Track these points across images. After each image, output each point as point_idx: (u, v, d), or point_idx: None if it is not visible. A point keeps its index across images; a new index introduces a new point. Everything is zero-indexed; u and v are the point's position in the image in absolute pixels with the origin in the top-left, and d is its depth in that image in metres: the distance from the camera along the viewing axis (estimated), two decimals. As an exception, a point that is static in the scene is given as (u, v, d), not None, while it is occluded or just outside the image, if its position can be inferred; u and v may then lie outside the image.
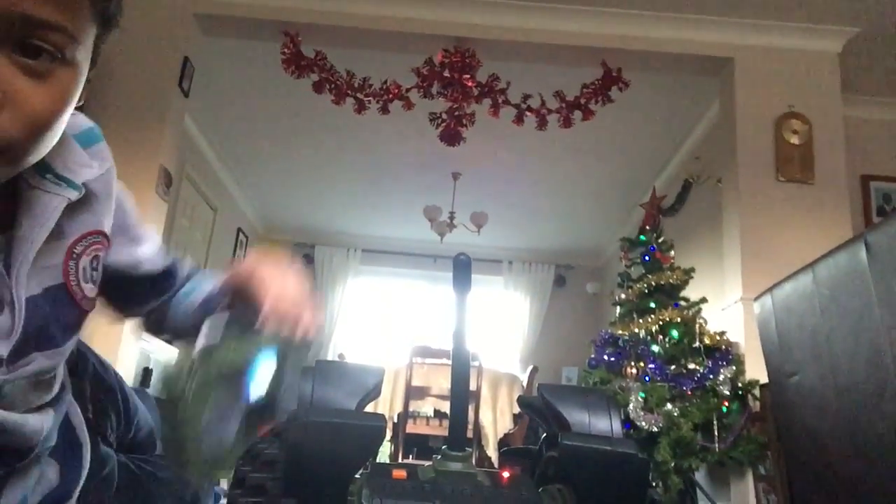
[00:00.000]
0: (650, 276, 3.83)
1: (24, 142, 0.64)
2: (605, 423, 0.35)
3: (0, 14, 0.59)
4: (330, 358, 6.52)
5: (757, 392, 3.32)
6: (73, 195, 0.77)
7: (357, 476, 0.66)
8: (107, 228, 0.84)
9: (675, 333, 3.55)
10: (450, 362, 0.40)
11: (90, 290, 0.82)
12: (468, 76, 4.01)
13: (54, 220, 0.74)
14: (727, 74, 4.16)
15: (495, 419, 4.24)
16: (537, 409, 0.36)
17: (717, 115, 4.44)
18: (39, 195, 0.73)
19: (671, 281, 3.78)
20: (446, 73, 4.02)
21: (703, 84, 4.48)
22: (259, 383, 0.65)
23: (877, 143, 4.67)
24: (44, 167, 0.74)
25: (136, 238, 0.94)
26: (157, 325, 1.03)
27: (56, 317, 0.77)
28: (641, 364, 3.49)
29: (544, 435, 0.35)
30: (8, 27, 0.59)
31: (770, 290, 2.15)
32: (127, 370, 3.71)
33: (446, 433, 0.39)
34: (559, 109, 4.15)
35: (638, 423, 3.25)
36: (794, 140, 3.95)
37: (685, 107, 4.92)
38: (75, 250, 0.79)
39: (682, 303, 3.75)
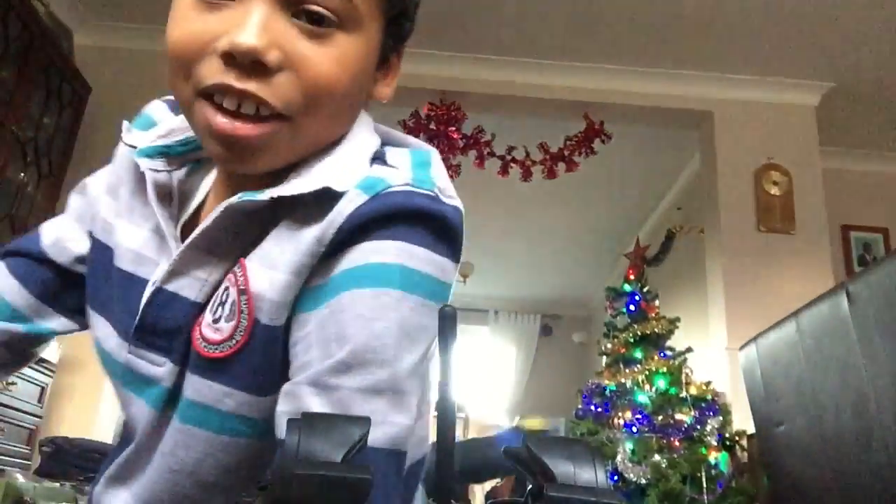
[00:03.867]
0: (636, 326, 3.83)
1: (300, 109, 0.62)
2: (590, 475, 0.35)
3: None
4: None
5: (744, 442, 3.31)
6: None
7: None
8: None
9: (661, 383, 3.54)
10: (435, 413, 0.40)
11: None
12: (454, 128, 4.07)
13: None
14: (707, 127, 4.24)
15: (482, 472, 4.18)
16: (523, 460, 0.36)
17: (699, 166, 4.52)
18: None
19: (657, 330, 3.79)
20: (432, 126, 4.07)
21: (684, 136, 4.57)
22: None
23: (856, 193, 4.75)
24: None
25: None
26: None
27: None
28: (629, 414, 3.47)
29: (530, 487, 0.35)
30: None
31: (755, 339, 2.16)
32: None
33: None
34: (543, 161, 4.20)
35: (626, 475, 3.22)
36: (775, 191, 4.01)
37: (667, 159, 4.99)
38: None
39: (668, 352, 3.75)
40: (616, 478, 3.24)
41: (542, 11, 3.74)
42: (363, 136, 0.71)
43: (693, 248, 4.73)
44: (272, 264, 0.62)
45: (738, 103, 4.20)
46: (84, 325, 0.80)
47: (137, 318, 0.68)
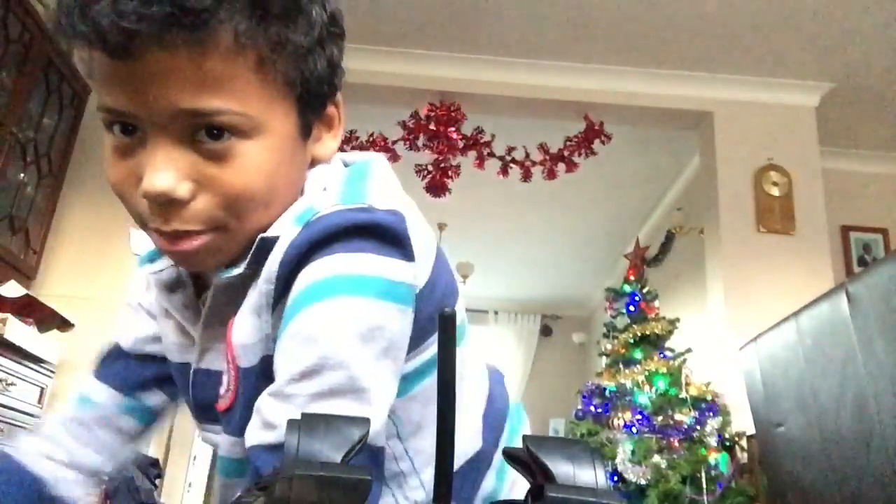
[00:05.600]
0: (635, 327, 3.84)
1: (227, 221, 0.65)
2: (590, 475, 0.35)
3: (162, 113, 0.61)
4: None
5: (744, 443, 3.31)
6: None
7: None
8: None
9: (661, 384, 3.54)
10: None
11: None
12: (453, 129, 4.07)
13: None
14: (707, 128, 4.25)
15: (482, 472, 4.18)
16: (522, 461, 0.36)
17: (699, 167, 4.52)
18: None
19: (656, 331, 3.79)
20: (432, 126, 4.07)
21: (684, 137, 4.57)
22: None
23: (856, 194, 4.76)
24: None
25: None
26: None
27: None
28: (628, 415, 3.47)
29: (529, 488, 0.35)
30: (174, 122, 0.61)
31: (754, 340, 2.16)
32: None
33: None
34: (543, 161, 4.21)
35: (626, 476, 3.22)
36: (775, 192, 4.02)
37: (667, 159, 5.00)
38: None
39: (668, 353, 3.76)
40: (616, 478, 3.24)
41: (542, 12, 3.74)
42: (312, 187, 0.72)
43: (693, 249, 4.74)
44: (243, 312, 0.67)
45: (737, 104, 4.20)
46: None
47: (191, 400, 0.77)
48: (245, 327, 0.67)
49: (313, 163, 0.74)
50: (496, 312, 8.20)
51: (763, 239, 3.94)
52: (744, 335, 2.49)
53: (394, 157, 4.18)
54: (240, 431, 0.65)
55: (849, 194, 4.70)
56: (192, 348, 0.76)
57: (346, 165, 0.76)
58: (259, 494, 0.38)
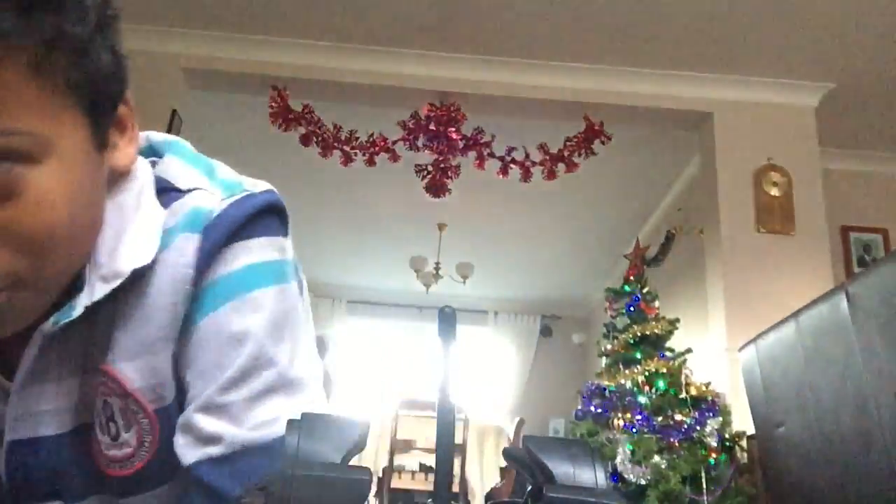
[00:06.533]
0: (635, 327, 3.83)
1: (33, 273, 0.53)
2: (590, 475, 0.35)
3: None
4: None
5: (744, 443, 3.31)
6: None
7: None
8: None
9: (661, 384, 3.54)
10: (435, 414, 0.40)
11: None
12: (453, 129, 4.07)
13: None
14: (707, 128, 4.24)
15: (482, 473, 4.19)
16: (522, 461, 0.36)
17: (698, 167, 4.52)
18: None
19: (656, 331, 3.79)
20: (432, 127, 4.07)
21: (683, 137, 4.57)
22: None
23: (856, 194, 4.75)
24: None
25: None
26: None
27: None
28: (628, 415, 3.47)
29: (529, 488, 0.35)
30: None
31: (754, 340, 2.16)
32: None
33: (432, 488, 0.39)
34: (543, 162, 4.21)
35: (626, 476, 3.22)
36: (774, 192, 4.01)
37: (667, 159, 5.00)
38: None
39: (668, 353, 3.75)
40: (616, 478, 3.24)
41: (542, 12, 3.74)
42: (129, 203, 0.62)
43: (693, 249, 4.74)
44: (135, 354, 0.59)
45: (737, 104, 4.20)
46: None
47: (5, 481, 0.61)
48: (151, 367, 0.59)
49: (112, 176, 0.62)
50: (496, 313, 8.20)
51: (763, 239, 3.94)
52: (744, 335, 2.49)
53: (394, 157, 4.19)
54: (158, 482, 0.61)
55: (849, 194, 4.70)
56: None
57: (153, 154, 0.69)
58: (259, 494, 0.38)
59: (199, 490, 0.57)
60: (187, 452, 0.57)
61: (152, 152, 0.70)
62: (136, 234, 0.60)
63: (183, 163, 0.67)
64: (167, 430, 0.60)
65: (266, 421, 0.57)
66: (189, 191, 0.64)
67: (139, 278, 0.59)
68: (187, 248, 0.60)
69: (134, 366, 0.59)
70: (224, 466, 0.56)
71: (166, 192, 0.64)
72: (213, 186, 0.64)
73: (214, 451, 0.56)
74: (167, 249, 0.60)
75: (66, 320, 0.57)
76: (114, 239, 0.60)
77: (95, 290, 0.58)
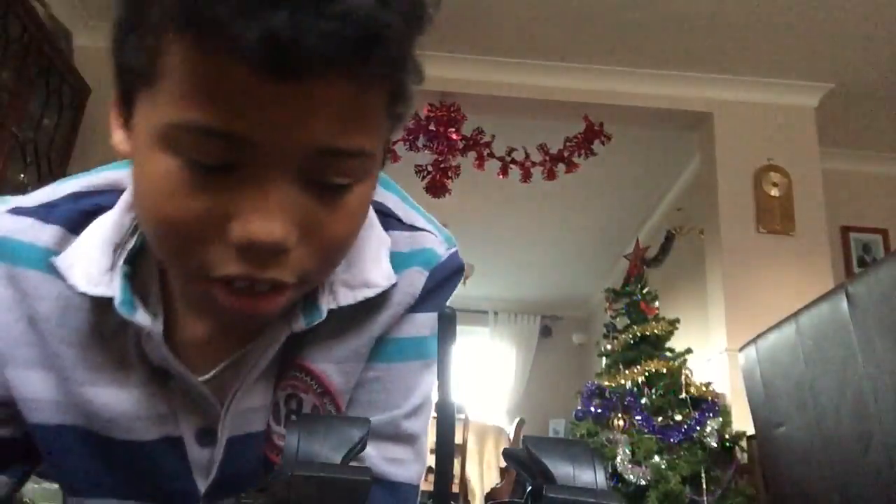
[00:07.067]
0: (635, 327, 3.84)
1: (316, 273, 0.56)
2: (590, 476, 0.35)
3: (295, 147, 0.48)
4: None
5: (744, 444, 3.31)
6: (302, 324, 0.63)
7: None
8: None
9: (661, 384, 3.54)
10: (435, 415, 0.40)
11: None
12: (453, 129, 4.07)
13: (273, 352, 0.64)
14: (707, 129, 4.24)
15: (482, 473, 4.18)
16: (522, 461, 0.36)
17: (699, 167, 4.52)
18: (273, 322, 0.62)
19: (656, 332, 3.79)
20: (432, 127, 4.07)
21: (683, 138, 4.57)
22: None
23: (856, 194, 4.75)
24: None
25: None
26: None
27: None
28: (628, 416, 3.47)
29: (529, 488, 0.35)
30: (303, 158, 0.49)
31: (754, 340, 2.16)
32: None
33: (431, 488, 0.39)
34: (543, 162, 4.20)
35: (626, 477, 3.22)
36: (774, 192, 4.01)
37: (667, 160, 5.00)
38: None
39: (668, 353, 3.75)
40: (616, 479, 3.24)
41: (542, 12, 3.74)
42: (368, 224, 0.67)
43: (693, 249, 4.73)
44: (344, 359, 0.66)
45: (737, 104, 4.20)
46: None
47: (212, 478, 0.64)
48: (350, 374, 0.66)
49: None
50: (496, 313, 8.19)
51: (763, 239, 3.94)
52: (744, 335, 2.49)
53: (394, 158, 4.18)
54: None
55: (849, 194, 4.70)
56: (162, 417, 0.63)
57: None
58: (259, 494, 0.38)
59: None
60: (380, 466, 0.69)
61: None
62: (377, 251, 0.66)
63: (391, 194, 0.72)
64: None
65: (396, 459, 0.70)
66: (412, 227, 0.70)
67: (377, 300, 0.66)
68: (418, 281, 0.67)
69: (339, 369, 0.65)
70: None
71: (384, 216, 0.70)
72: (438, 233, 0.72)
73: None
74: (400, 275, 0.66)
75: (313, 321, 0.62)
76: (353, 249, 0.62)
77: (339, 296, 0.63)
